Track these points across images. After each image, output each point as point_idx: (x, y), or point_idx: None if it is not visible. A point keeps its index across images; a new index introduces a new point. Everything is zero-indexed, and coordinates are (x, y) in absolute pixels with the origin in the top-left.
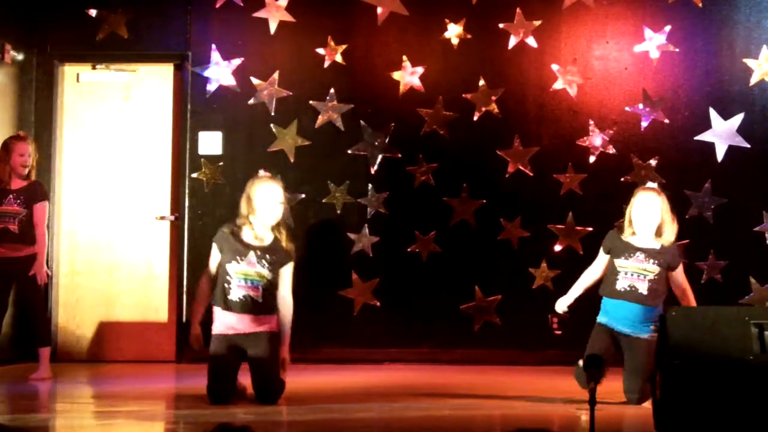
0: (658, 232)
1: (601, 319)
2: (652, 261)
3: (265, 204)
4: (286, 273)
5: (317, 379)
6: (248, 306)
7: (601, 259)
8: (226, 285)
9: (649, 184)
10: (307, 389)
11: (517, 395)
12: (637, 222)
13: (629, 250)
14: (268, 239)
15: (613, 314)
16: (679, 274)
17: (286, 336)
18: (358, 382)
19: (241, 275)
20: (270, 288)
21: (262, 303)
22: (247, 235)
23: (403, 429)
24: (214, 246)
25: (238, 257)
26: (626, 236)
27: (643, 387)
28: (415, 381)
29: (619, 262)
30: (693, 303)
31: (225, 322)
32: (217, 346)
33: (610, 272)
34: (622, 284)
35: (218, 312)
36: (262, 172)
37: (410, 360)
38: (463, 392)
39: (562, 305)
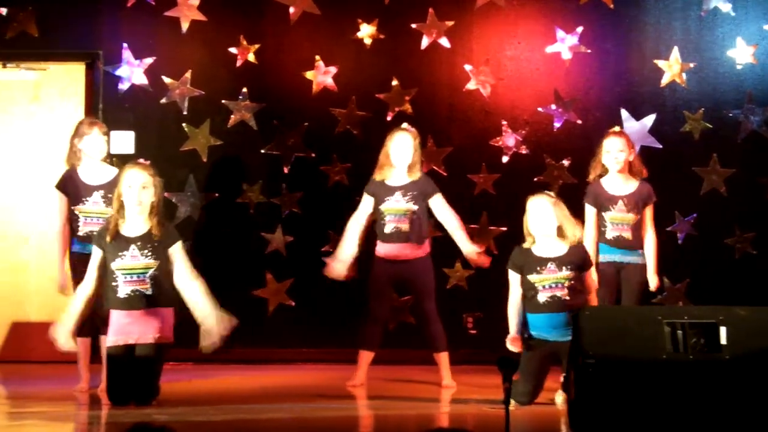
0: (561, 236)
1: (532, 333)
2: (564, 268)
3: (130, 190)
4: (177, 255)
5: (231, 379)
6: (137, 301)
7: (515, 280)
8: (114, 284)
9: (545, 192)
10: (221, 389)
11: (431, 395)
12: (535, 229)
13: (540, 263)
14: (146, 228)
15: (542, 327)
16: (587, 277)
17: (213, 323)
18: (271, 382)
19: (127, 270)
20: (159, 276)
21: (151, 295)
22: (126, 228)
23: (315, 429)
24: (94, 247)
25: (120, 253)
26: (529, 245)
27: None
28: (330, 381)
29: (533, 278)
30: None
31: (119, 328)
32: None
33: (529, 289)
34: (542, 298)
35: (112, 315)
36: (141, 161)
37: (325, 360)
38: (377, 392)
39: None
